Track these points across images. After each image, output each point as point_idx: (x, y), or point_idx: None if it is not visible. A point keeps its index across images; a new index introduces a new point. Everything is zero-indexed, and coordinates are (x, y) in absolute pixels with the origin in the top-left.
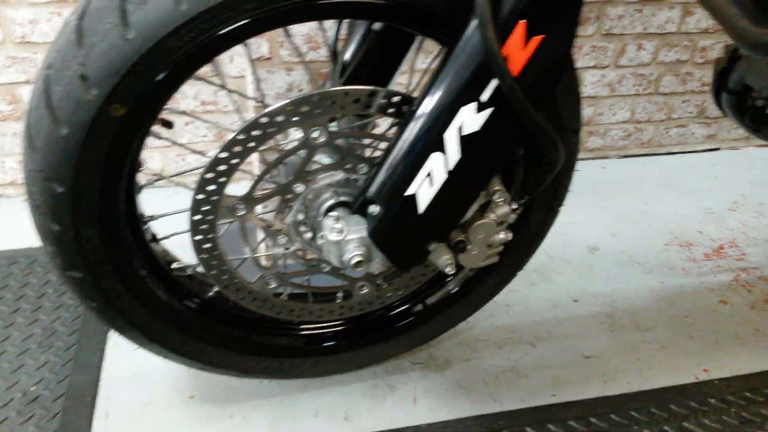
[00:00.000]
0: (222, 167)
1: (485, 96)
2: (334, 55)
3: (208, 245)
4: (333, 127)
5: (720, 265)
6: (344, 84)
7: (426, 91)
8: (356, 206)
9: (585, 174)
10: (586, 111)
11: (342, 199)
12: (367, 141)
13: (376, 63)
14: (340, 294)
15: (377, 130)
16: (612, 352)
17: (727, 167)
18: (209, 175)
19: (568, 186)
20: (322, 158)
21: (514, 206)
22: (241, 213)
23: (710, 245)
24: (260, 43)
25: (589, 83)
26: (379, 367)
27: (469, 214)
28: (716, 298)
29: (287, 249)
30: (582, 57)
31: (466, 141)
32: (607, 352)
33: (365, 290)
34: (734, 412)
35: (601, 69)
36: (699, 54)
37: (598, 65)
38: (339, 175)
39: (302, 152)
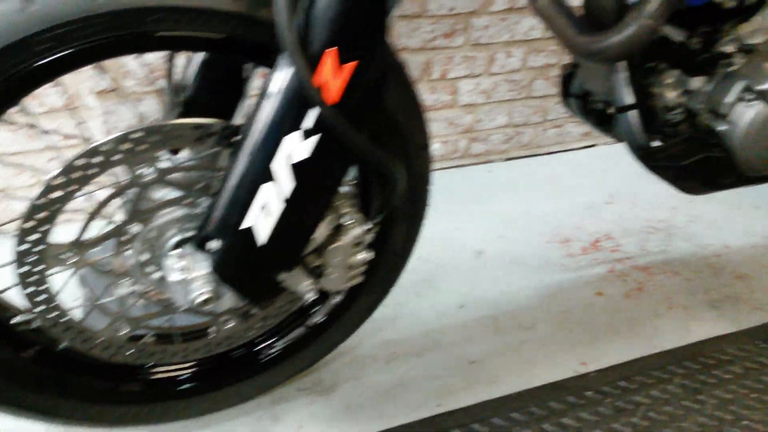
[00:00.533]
0: (42, 214)
1: (309, 123)
2: (171, 86)
3: (42, 297)
4: (167, 162)
5: (596, 258)
6: (180, 116)
7: (249, 123)
8: (198, 242)
9: (472, 179)
10: (466, 118)
11: (188, 234)
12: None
13: (217, 93)
14: (208, 330)
15: None
16: (496, 354)
17: (603, 163)
18: (28, 225)
19: (427, 199)
20: (169, 193)
21: (367, 226)
22: (73, 260)
23: (587, 239)
24: (102, 76)
25: (465, 92)
26: (265, 398)
27: (323, 238)
28: (593, 290)
29: (133, 292)
30: (455, 67)
31: (298, 169)
32: (491, 355)
33: (231, 324)
34: (609, 402)
35: (475, 78)
36: (566, 57)
37: (472, 74)
38: (179, 211)
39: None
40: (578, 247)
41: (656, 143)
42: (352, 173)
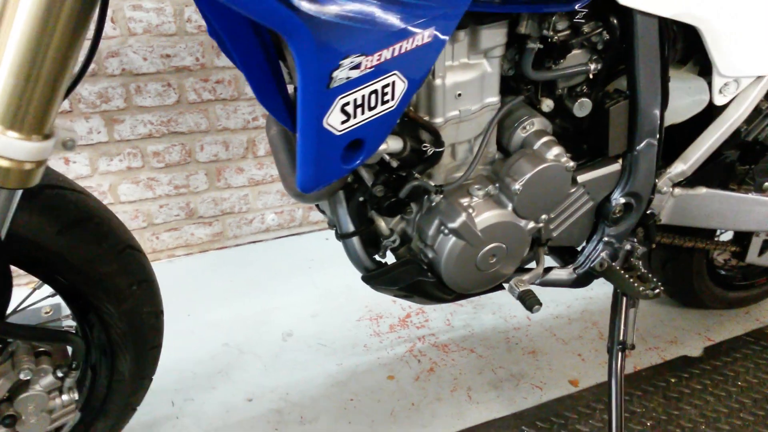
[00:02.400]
0: None
1: None
2: None
3: None
4: None
5: (401, 336)
6: None
7: None
8: None
9: (307, 248)
10: None
11: None
12: None
13: None
14: None
15: None
16: None
17: None
18: None
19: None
20: None
21: (60, 374)
22: None
23: (399, 315)
24: None
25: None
26: None
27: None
28: (386, 373)
29: None
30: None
31: None
32: None
33: None
34: None
35: None
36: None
37: None
38: None
39: None
40: (387, 325)
41: (376, 266)
42: None
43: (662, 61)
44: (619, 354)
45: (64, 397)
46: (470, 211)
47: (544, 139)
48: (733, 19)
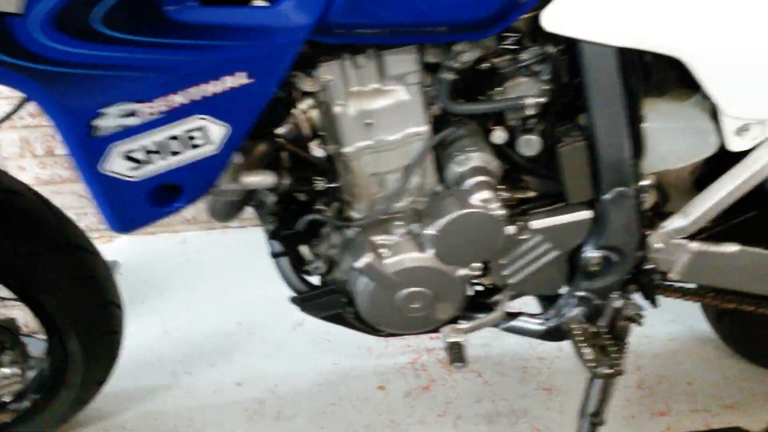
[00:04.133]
0: None
1: None
2: None
3: None
4: None
5: (410, 345)
6: None
7: None
8: None
9: None
10: None
11: None
12: None
13: None
14: None
15: None
16: None
17: None
18: None
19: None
20: None
21: None
22: None
23: None
24: None
25: None
26: None
27: None
28: (378, 382)
29: None
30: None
31: None
32: None
33: None
34: None
35: None
36: None
37: None
38: None
39: None
40: None
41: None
42: None
43: (628, 97)
44: (587, 426)
45: (5, 370)
46: (381, 251)
47: (477, 179)
48: (736, 48)
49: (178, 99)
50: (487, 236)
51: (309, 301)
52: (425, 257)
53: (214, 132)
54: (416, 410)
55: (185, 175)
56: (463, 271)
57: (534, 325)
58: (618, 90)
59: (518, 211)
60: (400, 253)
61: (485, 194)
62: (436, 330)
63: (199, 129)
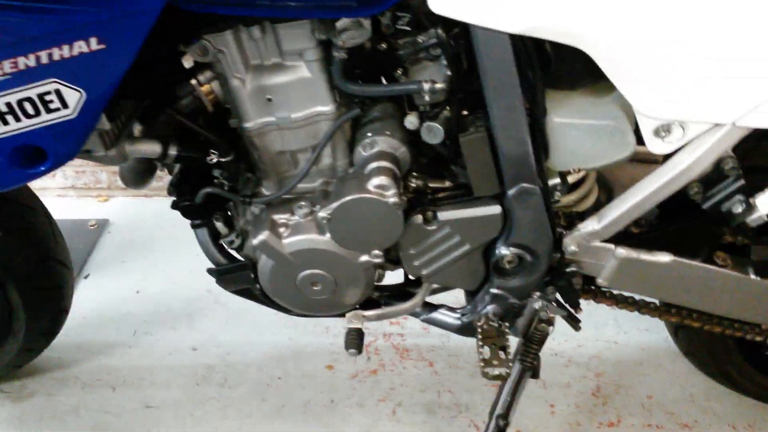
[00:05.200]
0: None
1: None
2: None
3: None
4: None
5: (369, 327)
6: None
7: None
8: None
9: None
10: None
11: None
12: None
13: None
14: None
15: None
16: (174, 406)
17: None
18: None
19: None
20: None
21: None
22: None
23: None
24: None
25: None
26: None
27: None
28: (328, 361)
29: None
30: None
31: None
32: (168, 406)
33: None
34: None
35: None
36: None
37: None
38: None
39: None
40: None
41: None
42: None
43: (528, 88)
44: (493, 427)
45: None
46: (281, 230)
47: (377, 164)
48: (643, 38)
49: (28, 62)
50: (382, 223)
51: (222, 274)
52: (323, 240)
53: (71, 96)
54: (358, 392)
55: (47, 138)
56: (364, 257)
57: (451, 319)
58: (514, 80)
59: (428, 200)
60: (298, 234)
61: (382, 180)
62: (343, 315)
63: (53, 93)
